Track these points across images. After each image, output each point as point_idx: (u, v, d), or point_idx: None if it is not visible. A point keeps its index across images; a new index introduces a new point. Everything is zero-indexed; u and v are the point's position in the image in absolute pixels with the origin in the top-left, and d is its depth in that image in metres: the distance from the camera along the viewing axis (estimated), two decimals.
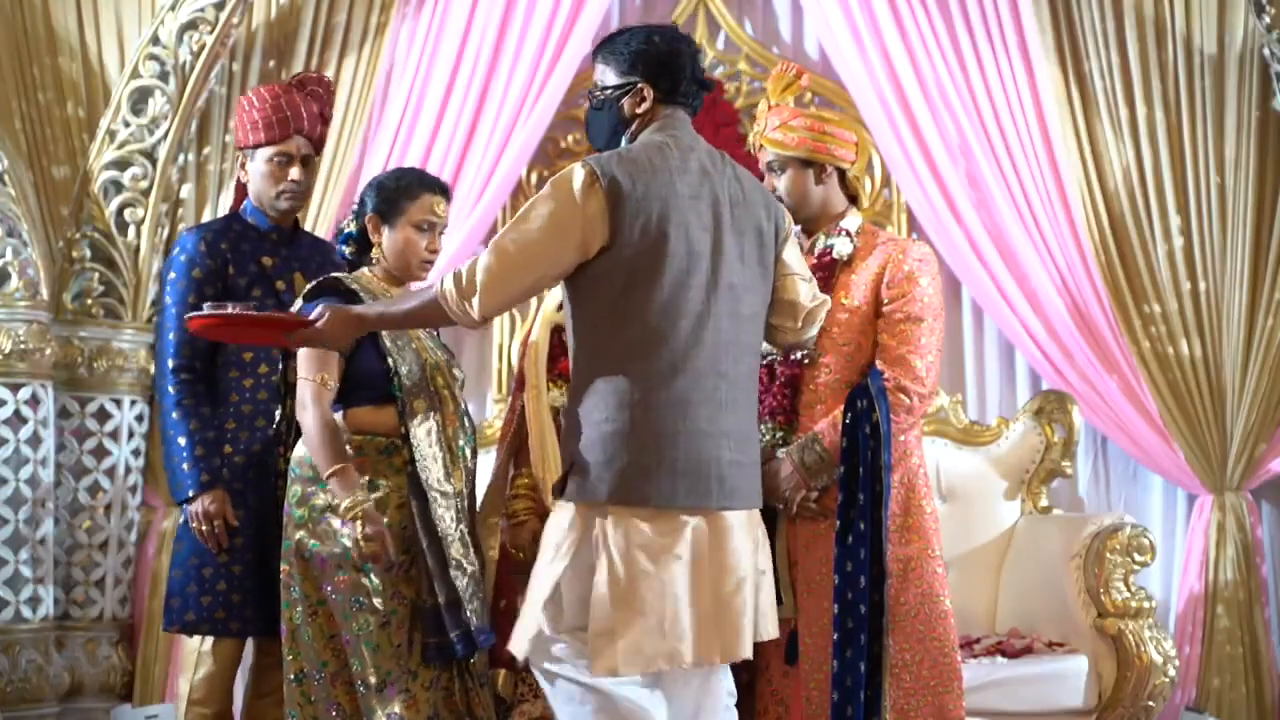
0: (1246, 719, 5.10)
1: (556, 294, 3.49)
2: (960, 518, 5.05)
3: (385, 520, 3.28)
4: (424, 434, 3.33)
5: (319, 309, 3.11)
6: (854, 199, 3.61)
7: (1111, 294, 5.20)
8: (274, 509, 3.50)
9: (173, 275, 3.84)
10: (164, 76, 4.90)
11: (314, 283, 3.42)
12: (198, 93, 4.95)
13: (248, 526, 3.72)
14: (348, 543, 3.26)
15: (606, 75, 3.11)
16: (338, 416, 3.33)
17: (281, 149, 3.83)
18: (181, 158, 5.00)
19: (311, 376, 3.29)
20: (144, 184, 4.91)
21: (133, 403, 4.91)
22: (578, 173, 2.92)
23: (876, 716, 3.31)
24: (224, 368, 3.80)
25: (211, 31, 4.90)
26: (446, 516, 3.31)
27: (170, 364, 3.79)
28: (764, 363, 3.52)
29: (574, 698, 2.96)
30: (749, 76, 5.56)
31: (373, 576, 3.25)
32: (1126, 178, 5.22)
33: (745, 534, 2.99)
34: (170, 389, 3.76)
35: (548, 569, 2.95)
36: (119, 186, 4.90)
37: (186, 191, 5.03)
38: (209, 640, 3.79)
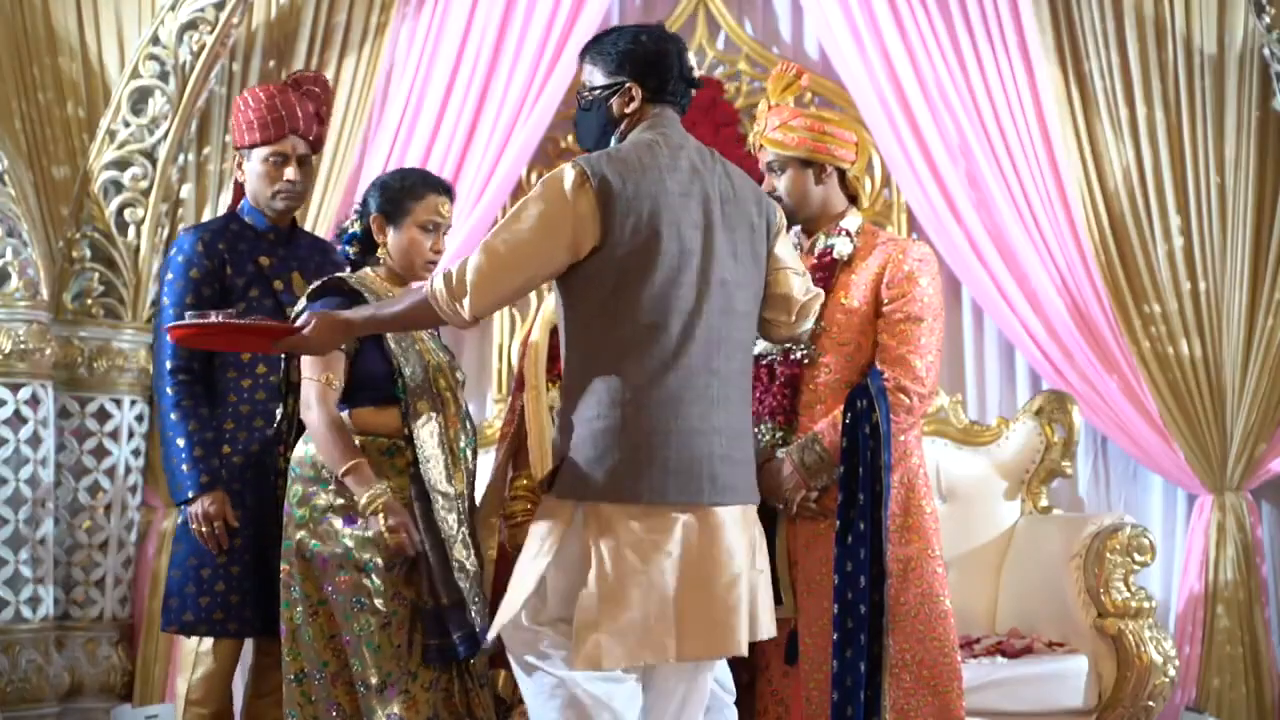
0: (1246, 719, 5.10)
1: None
2: (960, 518, 5.05)
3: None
4: (427, 435, 3.33)
5: (305, 315, 3.10)
6: (854, 199, 3.61)
7: (1111, 294, 5.21)
8: (273, 509, 3.50)
9: (170, 276, 3.82)
10: (164, 76, 4.90)
11: (318, 283, 3.42)
12: (198, 93, 4.96)
13: (246, 527, 3.72)
14: (349, 543, 3.26)
15: (594, 76, 3.11)
16: (343, 416, 3.34)
17: (277, 149, 3.83)
18: (181, 158, 5.00)
19: (317, 376, 3.29)
20: (144, 184, 4.91)
21: (133, 403, 4.91)
22: (568, 173, 2.92)
23: (876, 716, 3.31)
24: (222, 368, 3.79)
25: (211, 31, 4.90)
26: (450, 519, 3.31)
27: (168, 365, 3.78)
28: (764, 363, 3.53)
29: (544, 690, 2.96)
30: (749, 76, 5.56)
31: (374, 577, 3.25)
32: (1126, 178, 5.23)
33: (739, 530, 2.99)
34: (168, 390, 3.75)
35: (533, 562, 2.96)
36: (119, 186, 4.90)
37: (186, 191, 5.03)
38: (207, 641, 3.78)
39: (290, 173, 3.83)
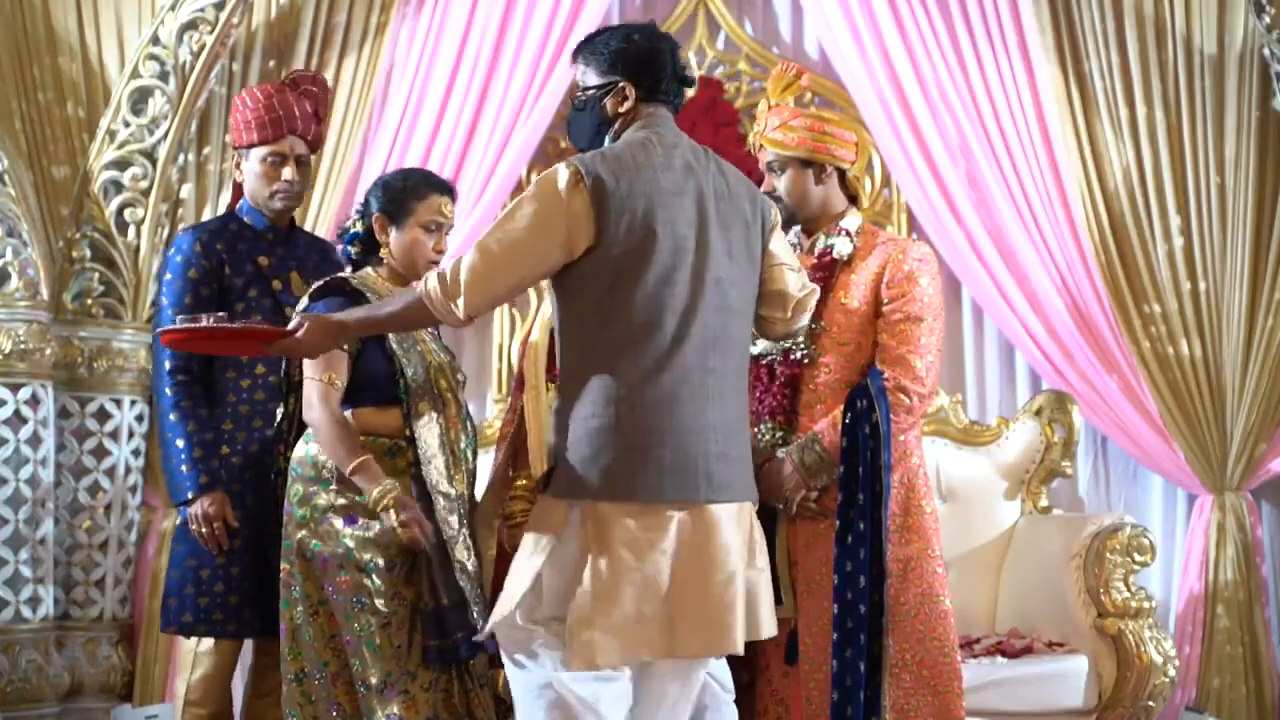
0: (1246, 719, 5.10)
1: None
2: (960, 518, 5.05)
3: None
4: (429, 436, 3.33)
5: (297, 319, 3.10)
6: (854, 199, 3.62)
7: (1111, 294, 5.21)
8: (273, 508, 3.50)
9: (168, 276, 3.81)
10: (164, 76, 4.90)
11: (320, 283, 3.42)
12: (198, 93, 4.96)
13: (245, 528, 3.71)
14: (350, 543, 3.26)
15: (588, 76, 3.11)
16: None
17: (275, 149, 3.82)
18: (181, 158, 5.00)
19: (319, 376, 3.29)
20: (144, 184, 4.91)
21: (133, 403, 4.91)
22: (562, 172, 2.92)
23: (876, 716, 3.31)
24: (221, 368, 3.78)
25: (211, 31, 4.90)
26: (451, 519, 3.31)
27: (167, 365, 3.76)
28: (764, 362, 3.53)
29: (531, 690, 2.97)
30: (749, 76, 5.56)
31: (374, 577, 3.25)
32: (1126, 178, 5.23)
33: (735, 528, 2.99)
34: (167, 390, 3.75)
35: (529, 561, 2.96)
36: (119, 186, 4.90)
37: (186, 191, 5.03)
38: (206, 641, 3.77)
39: (288, 173, 3.82)
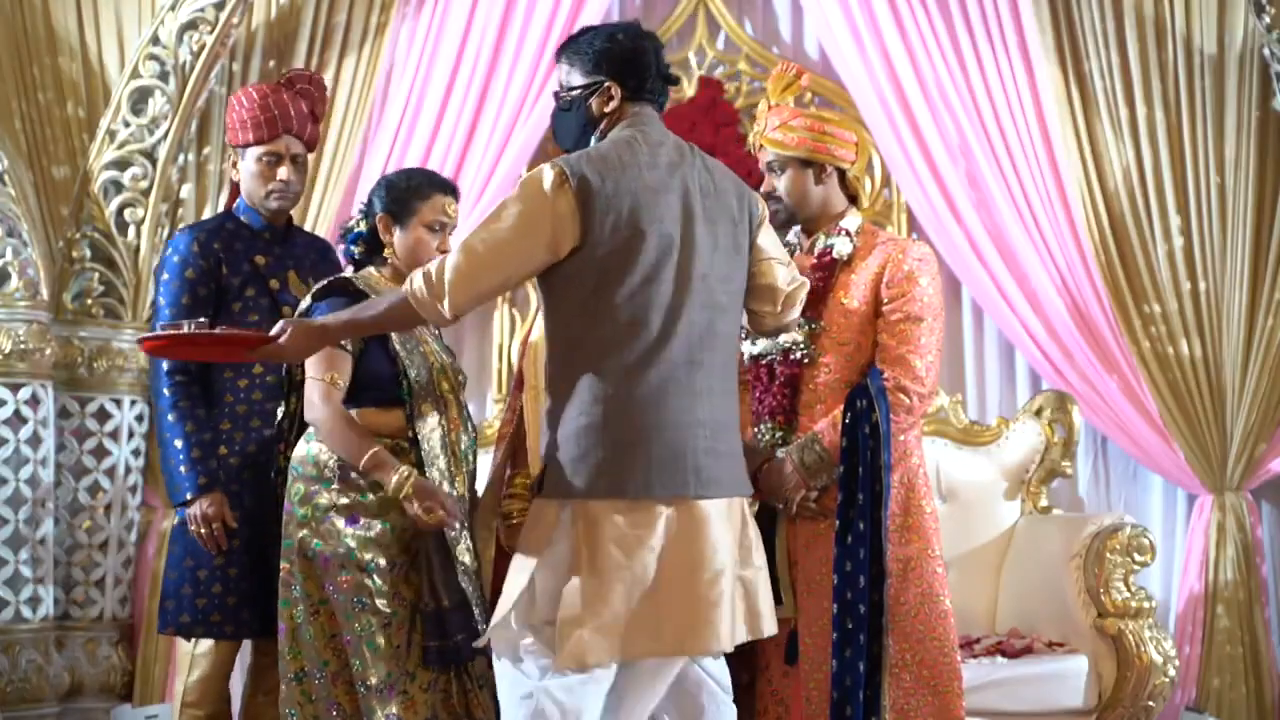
0: (1246, 719, 5.10)
1: None
2: (960, 518, 5.05)
3: (388, 523, 3.29)
4: (431, 437, 3.33)
5: (280, 324, 3.09)
6: (854, 199, 3.61)
7: (1111, 294, 5.21)
8: (273, 507, 3.50)
9: (165, 276, 3.79)
10: (164, 76, 4.90)
11: (323, 283, 3.42)
12: (198, 93, 4.96)
13: (243, 528, 3.69)
14: (351, 543, 3.26)
15: (572, 76, 3.11)
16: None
17: (270, 149, 3.80)
18: (181, 158, 5.00)
19: (321, 376, 3.29)
20: (144, 184, 4.91)
21: (133, 403, 4.91)
22: (547, 173, 2.93)
23: (876, 716, 3.31)
24: (218, 369, 3.77)
25: (211, 31, 4.90)
26: (455, 521, 3.31)
27: (165, 366, 3.74)
28: (764, 362, 3.53)
29: (515, 695, 2.98)
30: (749, 76, 5.56)
31: (375, 578, 3.25)
32: (1126, 178, 5.23)
33: (725, 525, 2.98)
34: (165, 391, 3.73)
35: (523, 564, 2.97)
36: (119, 186, 4.90)
37: (186, 191, 5.03)
38: (203, 643, 3.75)
39: (284, 172, 3.81)
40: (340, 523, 3.28)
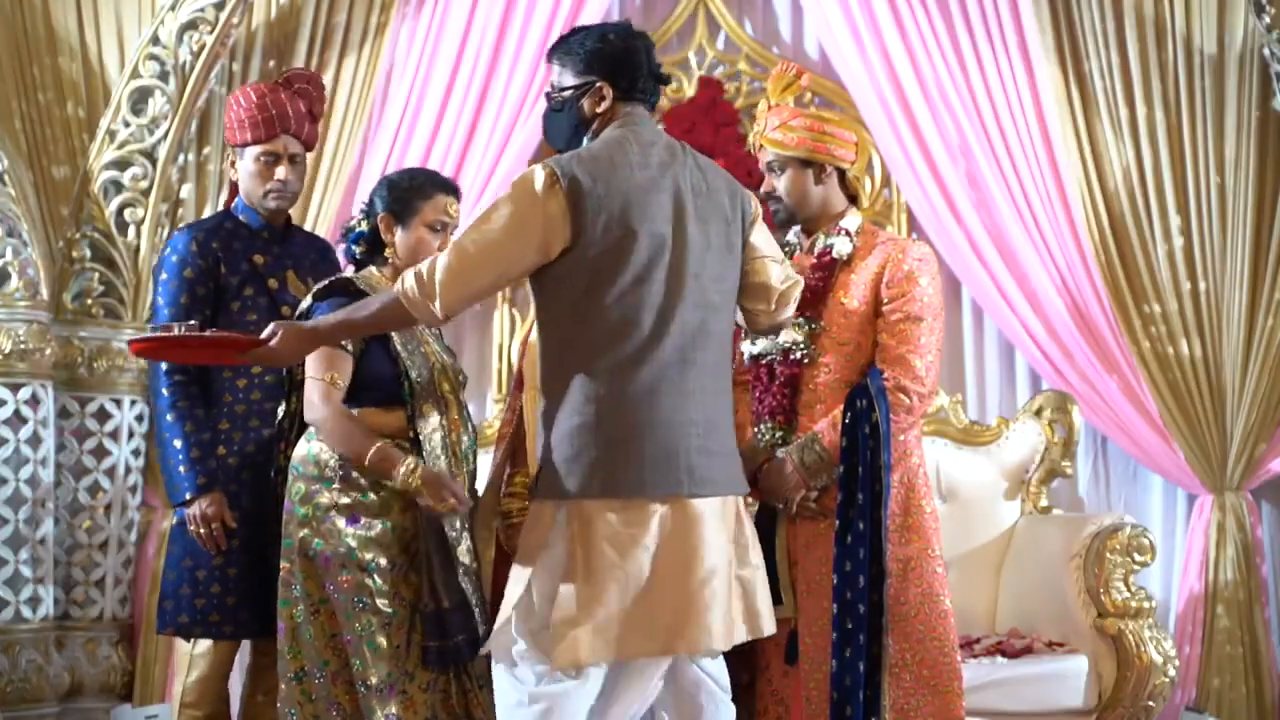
0: (1246, 719, 5.10)
1: None
2: (960, 518, 5.05)
3: (389, 523, 3.29)
4: (433, 438, 3.33)
5: (270, 327, 3.09)
6: (854, 199, 3.61)
7: (1111, 294, 5.21)
8: (272, 507, 3.50)
9: (164, 275, 3.78)
10: (164, 76, 4.91)
11: (325, 283, 3.42)
12: (198, 93, 4.96)
13: (241, 528, 3.68)
14: (352, 542, 3.27)
15: (564, 76, 3.11)
16: None
17: (268, 148, 3.80)
18: (181, 158, 5.01)
19: (321, 375, 3.29)
20: (144, 184, 4.92)
21: (133, 403, 4.91)
22: (538, 174, 2.93)
23: (875, 716, 3.31)
24: (217, 368, 3.77)
25: (211, 31, 4.90)
26: (456, 522, 3.31)
27: (164, 366, 3.73)
28: (764, 362, 3.53)
29: (509, 700, 2.98)
30: (749, 76, 5.56)
31: (376, 577, 3.26)
32: (1126, 178, 5.23)
33: (718, 523, 2.98)
34: (164, 391, 3.72)
35: (521, 570, 2.98)
36: (119, 186, 4.90)
37: (186, 191, 5.03)
38: (201, 643, 3.74)
39: (282, 172, 3.80)
40: (341, 522, 3.28)
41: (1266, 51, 5.12)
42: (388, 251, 3.45)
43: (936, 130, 5.27)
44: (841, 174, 3.56)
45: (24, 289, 4.72)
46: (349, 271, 3.56)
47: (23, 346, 4.68)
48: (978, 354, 5.54)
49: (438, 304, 2.94)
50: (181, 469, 3.68)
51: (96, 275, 4.90)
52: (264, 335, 3.06)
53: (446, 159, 5.18)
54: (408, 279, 2.97)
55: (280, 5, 5.15)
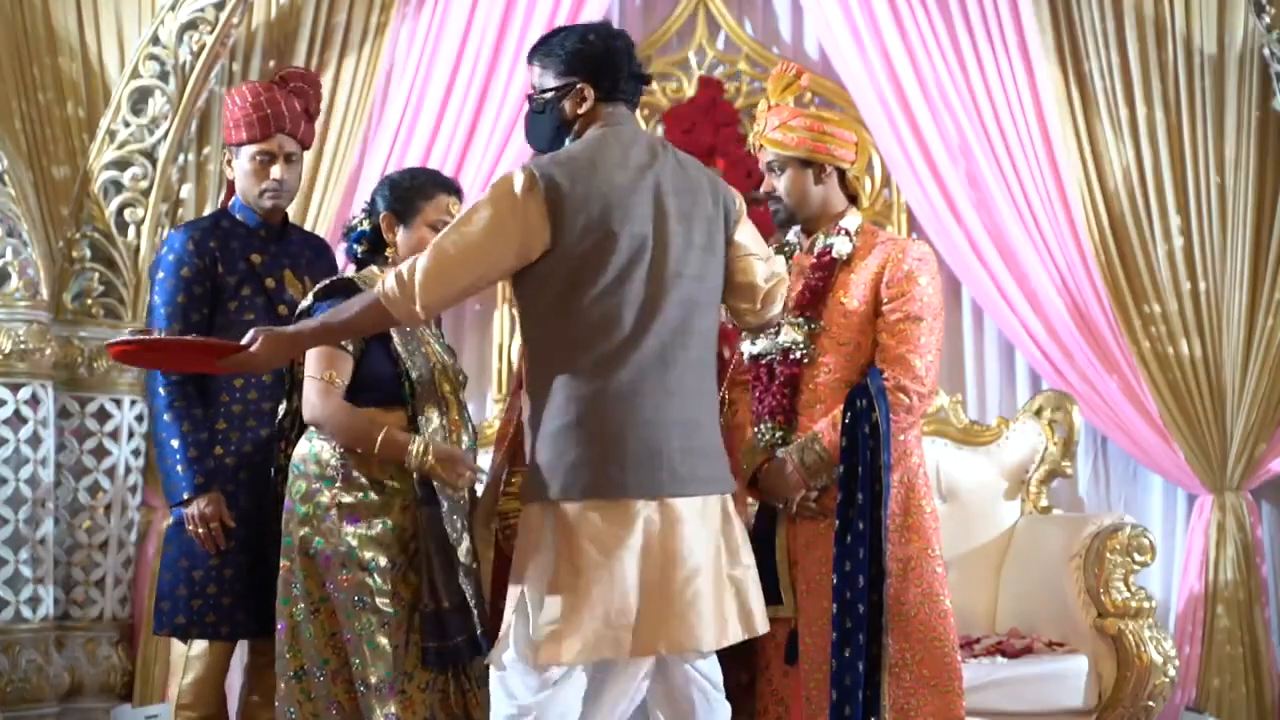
0: (1246, 719, 5.10)
1: None
2: (960, 518, 5.05)
3: (389, 522, 3.29)
4: (434, 438, 3.33)
5: (250, 333, 3.08)
6: (854, 199, 3.61)
7: (1111, 294, 5.21)
8: (272, 506, 3.50)
9: (161, 275, 3.77)
10: (164, 76, 4.91)
11: (326, 283, 3.42)
12: (198, 93, 4.96)
13: (239, 528, 3.67)
14: (352, 541, 3.27)
15: (544, 78, 3.11)
16: None
17: (263, 147, 3.79)
18: (181, 158, 5.01)
19: (320, 374, 3.29)
20: (144, 184, 4.92)
21: (133, 403, 4.91)
22: (517, 177, 2.94)
23: (875, 716, 3.31)
24: None
25: (211, 31, 4.90)
26: (457, 522, 3.31)
27: None
28: (764, 362, 3.53)
29: (500, 704, 2.99)
30: (749, 76, 5.56)
31: (376, 576, 3.26)
32: (1126, 178, 5.23)
33: (700, 522, 2.98)
34: (161, 391, 3.71)
35: (516, 573, 3.00)
36: (119, 186, 4.91)
37: (186, 191, 5.03)
38: (197, 644, 3.73)
39: (277, 171, 3.80)
40: (341, 521, 3.28)
41: (1266, 51, 5.12)
42: (389, 251, 3.45)
43: (936, 130, 5.27)
44: (841, 174, 3.56)
45: (24, 289, 4.72)
46: (350, 271, 3.56)
47: (23, 346, 4.68)
48: (978, 354, 5.54)
49: (418, 304, 2.94)
50: (179, 469, 3.67)
51: (96, 275, 4.90)
52: (244, 341, 3.05)
53: (446, 159, 5.18)
54: (388, 280, 2.98)
55: (280, 5, 5.15)
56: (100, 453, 4.87)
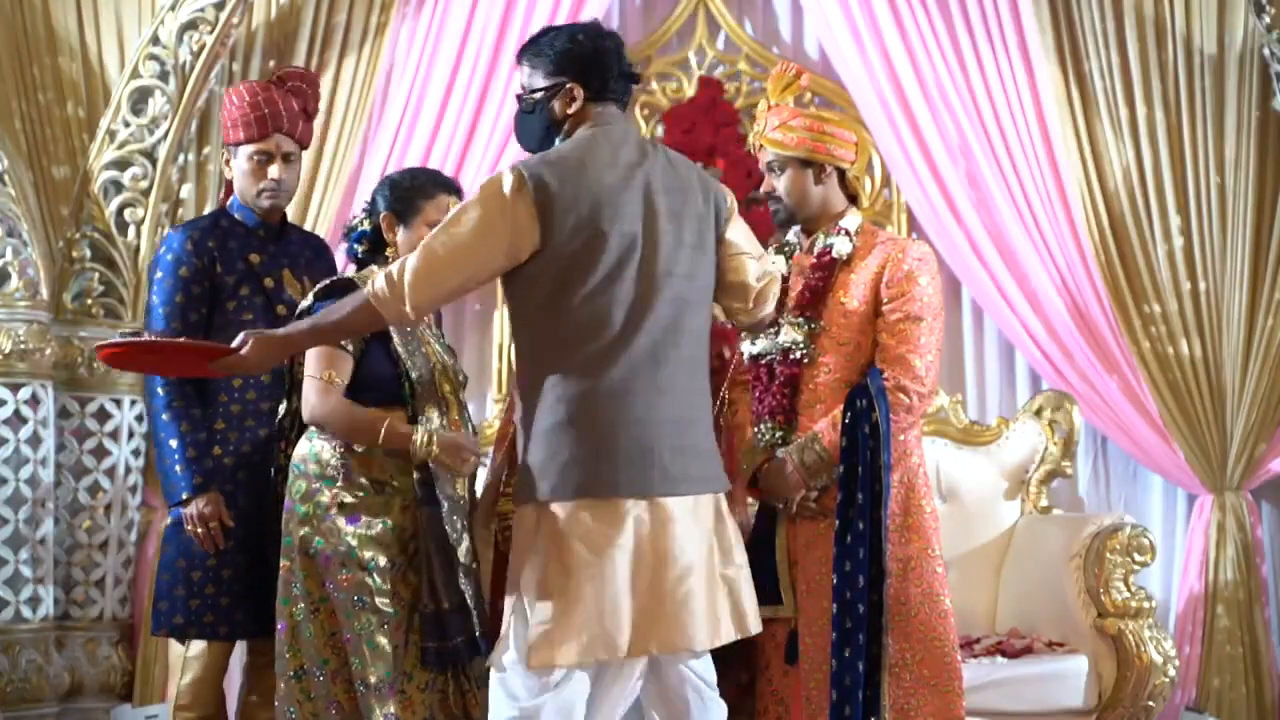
0: (1246, 719, 5.10)
1: None
2: (960, 518, 5.05)
3: (389, 522, 3.29)
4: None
5: (240, 336, 3.08)
6: (854, 199, 3.61)
7: (1111, 294, 5.21)
8: (271, 506, 3.50)
9: (159, 274, 3.76)
10: (164, 76, 4.91)
11: (326, 283, 3.42)
12: (198, 93, 4.96)
13: (237, 528, 3.66)
14: (352, 541, 3.27)
15: (534, 78, 3.11)
16: None
17: (261, 147, 3.78)
18: (181, 158, 5.01)
19: (319, 374, 3.29)
20: (144, 184, 4.92)
21: (133, 403, 4.91)
22: (506, 177, 2.94)
23: (875, 716, 3.31)
24: None
25: (211, 31, 4.90)
26: (457, 523, 3.32)
27: None
28: (764, 362, 3.53)
29: (500, 707, 2.99)
30: (749, 76, 5.56)
31: (375, 576, 3.26)
32: (1126, 178, 5.23)
33: (692, 521, 2.98)
34: (159, 390, 3.70)
35: (512, 575, 3.00)
36: (119, 186, 4.91)
37: (186, 191, 5.03)
38: (195, 645, 3.72)
39: (274, 170, 3.79)
40: (341, 521, 3.28)
41: (1266, 51, 5.12)
42: (389, 251, 3.45)
43: (936, 130, 5.27)
44: (841, 174, 3.56)
45: (24, 289, 4.72)
46: (350, 271, 3.56)
47: (23, 346, 4.68)
48: (978, 354, 5.54)
49: (408, 305, 2.95)
50: (178, 468, 3.66)
51: (96, 275, 4.90)
52: (234, 344, 3.05)
53: (446, 159, 5.18)
54: (378, 280, 2.98)
55: (280, 5, 5.15)
56: (100, 453, 4.87)
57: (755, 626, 3.10)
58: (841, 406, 3.40)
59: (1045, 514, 5.14)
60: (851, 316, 3.46)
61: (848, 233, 3.53)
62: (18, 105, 4.93)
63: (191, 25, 4.89)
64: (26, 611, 4.66)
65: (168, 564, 3.74)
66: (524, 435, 3.00)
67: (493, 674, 3.02)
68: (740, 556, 3.10)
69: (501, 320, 5.44)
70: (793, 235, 3.63)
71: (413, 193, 3.43)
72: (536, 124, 3.11)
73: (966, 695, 3.46)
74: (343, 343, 3.27)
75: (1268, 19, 5.05)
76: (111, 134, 4.90)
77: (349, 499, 3.29)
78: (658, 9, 5.61)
